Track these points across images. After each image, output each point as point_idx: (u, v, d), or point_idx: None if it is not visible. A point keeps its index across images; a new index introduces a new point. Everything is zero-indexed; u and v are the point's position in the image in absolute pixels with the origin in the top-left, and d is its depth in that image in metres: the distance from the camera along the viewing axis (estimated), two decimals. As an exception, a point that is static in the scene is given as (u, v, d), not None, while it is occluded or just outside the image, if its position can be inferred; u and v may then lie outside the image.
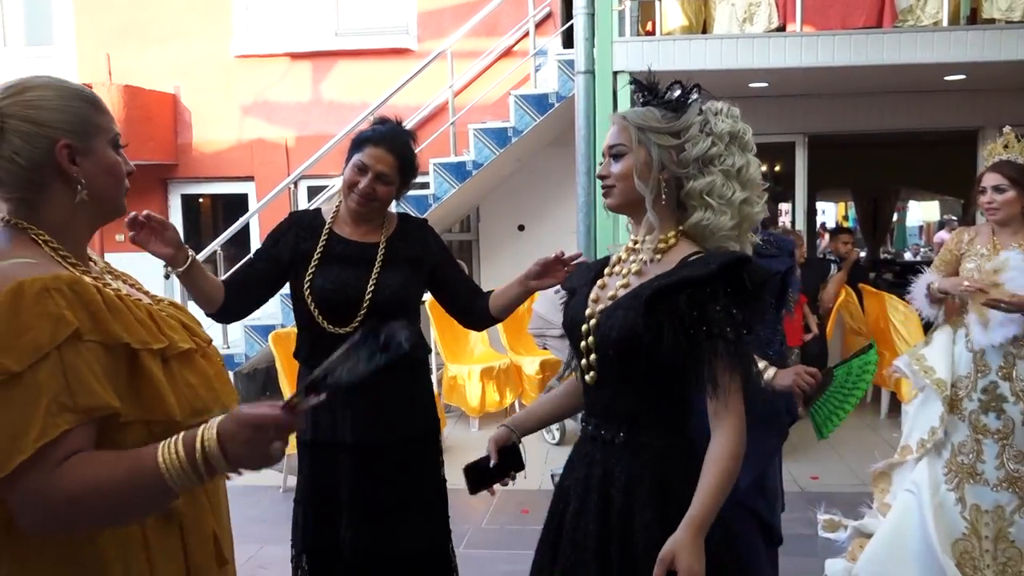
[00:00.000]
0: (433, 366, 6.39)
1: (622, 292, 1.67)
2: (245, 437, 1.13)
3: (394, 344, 1.26)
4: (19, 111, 1.20)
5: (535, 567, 1.82)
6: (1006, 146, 3.15)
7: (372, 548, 2.32)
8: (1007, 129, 3.18)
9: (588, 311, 1.70)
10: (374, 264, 2.34)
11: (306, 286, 2.33)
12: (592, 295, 1.73)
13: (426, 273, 2.45)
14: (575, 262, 2.23)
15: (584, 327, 1.68)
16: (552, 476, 4.63)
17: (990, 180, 3.10)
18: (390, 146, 2.32)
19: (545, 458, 5.33)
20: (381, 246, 2.38)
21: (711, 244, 1.67)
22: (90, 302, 1.15)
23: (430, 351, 2.54)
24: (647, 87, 1.72)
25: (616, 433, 1.65)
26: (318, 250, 2.36)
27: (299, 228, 2.42)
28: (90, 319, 1.14)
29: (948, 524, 3.10)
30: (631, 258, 1.72)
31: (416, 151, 2.45)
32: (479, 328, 2.57)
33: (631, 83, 1.78)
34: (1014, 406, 3.03)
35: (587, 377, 1.69)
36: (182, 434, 1.14)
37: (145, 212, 2.06)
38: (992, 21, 5.94)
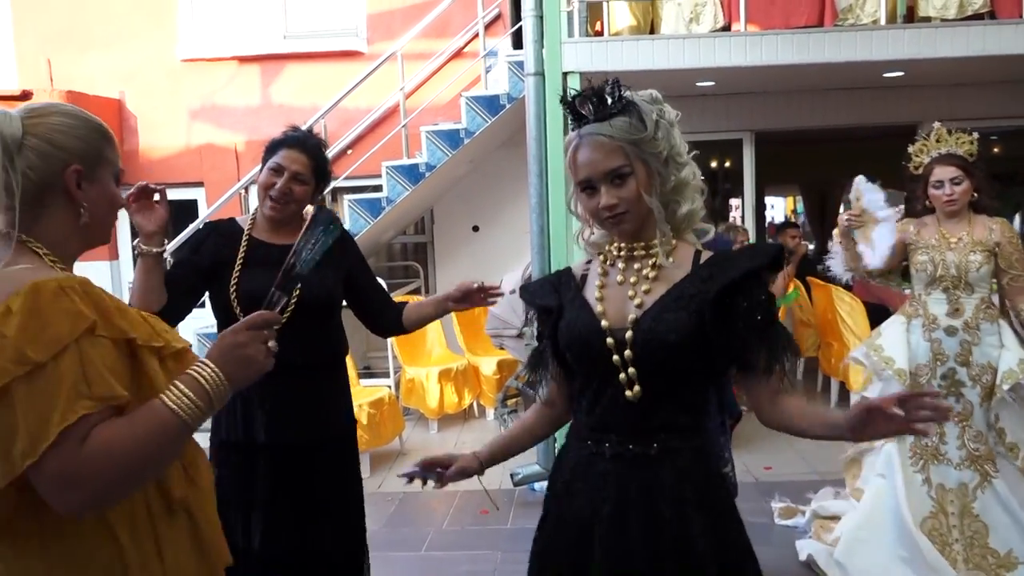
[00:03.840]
0: (390, 369, 6.39)
1: (650, 298, 1.60)
2: (234, 354, 1.31)
3: (335, 218, 1.45)
4: (43, 132, 1.31)
5: None
6: (938, 140, 3.24)
7: (285, 548, 2.35)
8: (936, 124, 3.28)
9: (609, 323, 1.61)
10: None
11: (232, 291, 2.34)
12: (597, 308, 1.64)
13: (344, 275, 2.50)
14: (494, 294, 2.42)
15: (610, 340, 1.59)
16: (512, 476, 4.67)
17: (945, 173, 3.18)
18: (303, 148, 2.40)
19: (504, 457, 5.36)
20: None
21: (688, 231, 1.68)
22: (99, 300, 1.24)
23: (347, 350, 2.62)
24: (600, 97, 1.60)
25: (648, 446, 1.59)
26: (240, 255, 2.38)
27: (217, 236, 2.45)
28: (100, 316, 1.23)
29: (917, 503, 3.26)
30: (635, 265, 1.65)
31: (329, 157, 2.52)
32: (385, 335, 2.72)
33: (577, 95, 1.64)
34: (972, 389, 3.20)
35: (630, 392, 1.58)
36: (179, 382, 1.26)
37: (158, 185, 2.14)
38: (928, 19, 6.13)
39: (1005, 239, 3.18)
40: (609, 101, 1.59)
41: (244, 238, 2.42)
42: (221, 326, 2.44)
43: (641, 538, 1.56)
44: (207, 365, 1.28)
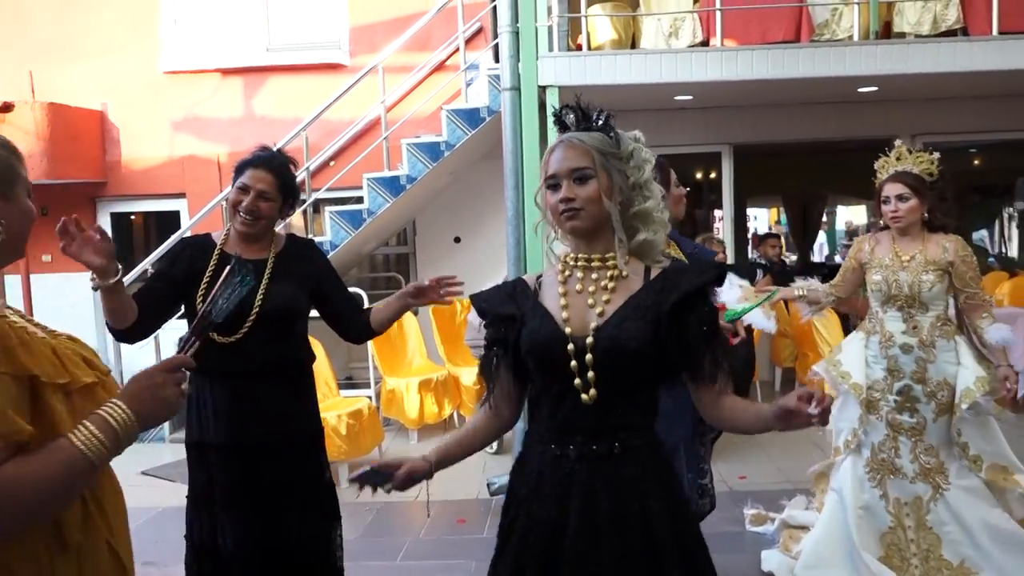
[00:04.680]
0: (371, 380, 6.42)
1: (610, 308, 1.71)
2: (150, 394, 1.34)
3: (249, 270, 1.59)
4: None
5: None
6: (898, 158, 3.30)
7: (252, 542, 2.49)
8: (898, 143, 3.35)
9: (572, 330, 1.71)
10: (263, 278, 2.53)
11: (198, 301, 2.48)
12: (563, 315, 1.74)
13: (312, 287, 2.66)
14: (450, 281, 2.58)
15: (570, 347, 1.69)
16: (488, 485, 4.70)
17: (893, 190, 3.24)
18: (268, 167, 2.55)
19: (483, 468, 5.39)
20: (270, 262, 2.58)
21: (649, 259, 1.79)
22: (2, 337, 1.23)
23: (314, 359, 2.73)
24: (584, 112, 1.78)
25: (611, 445, 1.69)
26: (210, 268, 2.54)
27: (192, 250, 2.61)
28: (2, 353, 1.22)
29: (875, 519, 3.30)
30: (593, 275, 1.76)
31: (296, 175, 2.67)
32: (359, 341, 2.85)
33: (564, 107, 1.80)
34: (926, 405, 3.25)
35: (586, 395, 1.69)
36: (88, 422, 1.27)
37: (74, 217, 2.13)
38: (903, 35, 6.25)
39: (959, 258, 3.20)
40: (593, 117, 1.77)
41: (216, 252, 2.58)
42: None
43: (610, 532, 1.67)
44: (117, 405, 1.30)
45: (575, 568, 1.66)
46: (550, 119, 5.43)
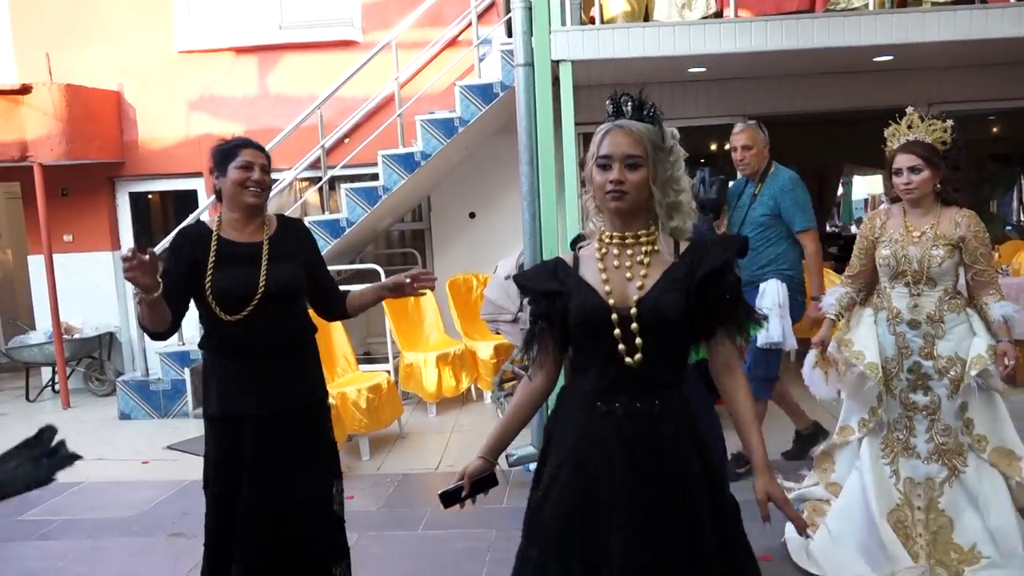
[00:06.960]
0: (389, 354, 6.50)
1: (648, 281, 1.87)
2: None
3: (61, 454, 1.39)
4: None
5: (558, 553, 1.89)
6: (910, 126, 3.18)
7: (267, 501, 2.67)
8: (910, 109, 3.22)
9: (615, 302, 1.86)
10: (261, 260, 2.68)
11: (207, 286, 2.63)
12: (605, 288, 1.88)
13: (306, 264, 2.80)
14: (426, 279, 2.79)
15: (615, 316, 1.85)
16: (507, 457, 4.77)
17: (905, 161, 3.13)
18: (257, 146, 2.75)
19: (501, 440, 5.46)
20: (265, 244, 2.71)
21: (679, 236, 1.94)
22: None
23: (316, 330, 2.87)
24: (640, 103, 1.91)
25: (652, 403, 1.87)
26: (212, 255, 2.67)
27: (191, 240, 2.72)
28: None
29: (885, 495, 3.24)
30: (628, 252, 1.91)
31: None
32: (331, 319, 3.04)
33: (624, 95, 1.92)
34: (939, 383, 3.17)
35: (632, 359, 1.85)
36: None
37: (133, 248, 2.32)
38: (920, 2, 6.17)
39: (971, 233, 3.12)
40: (644, 110, 1.91)
41: (214, 239, 2.69)
42: (203, 319, 2.72)
43: (652, 480, 1.85)
44: None
45: (623, 512, 1.83)
46: (563, 93, 5.41)
